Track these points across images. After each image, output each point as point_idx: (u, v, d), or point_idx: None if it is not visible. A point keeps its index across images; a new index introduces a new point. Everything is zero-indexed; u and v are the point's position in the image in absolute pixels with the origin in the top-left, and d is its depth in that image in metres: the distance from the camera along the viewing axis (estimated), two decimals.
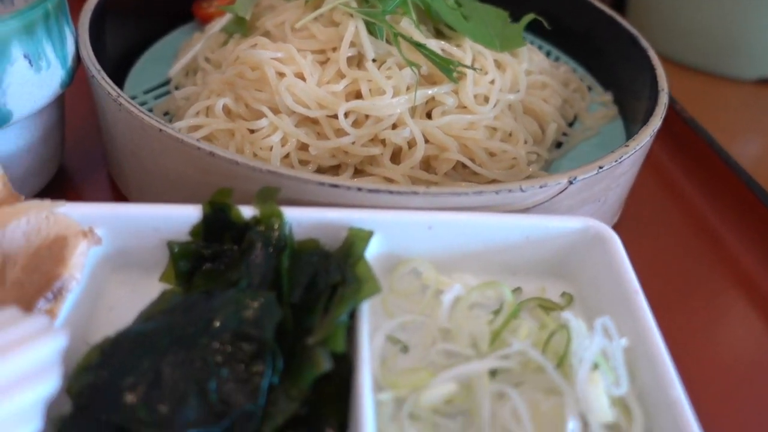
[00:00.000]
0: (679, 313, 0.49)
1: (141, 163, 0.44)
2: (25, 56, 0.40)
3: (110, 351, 0.31)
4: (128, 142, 0.44)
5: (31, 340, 0.26)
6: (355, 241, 0.37)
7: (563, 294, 0.39)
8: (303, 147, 0.47)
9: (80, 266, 0.34)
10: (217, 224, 0.37)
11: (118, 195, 0.51)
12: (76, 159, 0.54)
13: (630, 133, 0.58)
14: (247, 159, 0.39)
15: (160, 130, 0.40)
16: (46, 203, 0.35)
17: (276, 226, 0.37)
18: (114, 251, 0.37)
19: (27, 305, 0.32)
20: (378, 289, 0.34)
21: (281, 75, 0.47)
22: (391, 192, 0.38)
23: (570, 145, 0.57)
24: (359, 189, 0.38)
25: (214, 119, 0.48)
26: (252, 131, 0.47)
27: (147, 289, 0.37)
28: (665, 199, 0.60)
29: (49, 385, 0.26)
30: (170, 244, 0.37)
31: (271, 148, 0.46)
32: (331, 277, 0.35)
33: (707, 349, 0.46)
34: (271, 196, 0.38)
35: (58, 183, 0.51)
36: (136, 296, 0.37)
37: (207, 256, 0.37)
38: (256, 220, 0.37)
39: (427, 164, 0.49)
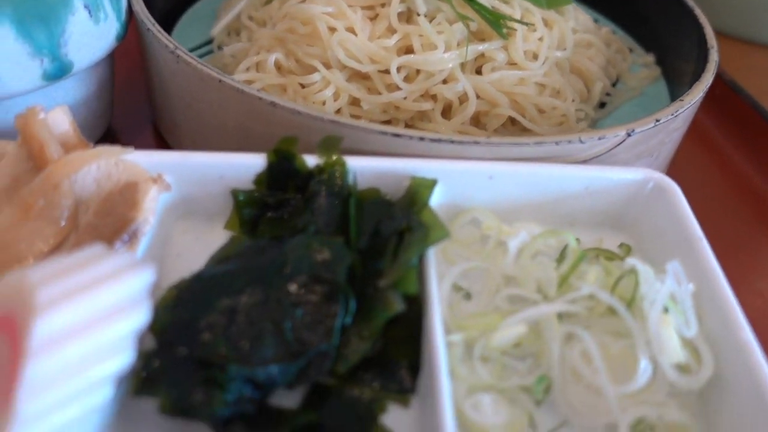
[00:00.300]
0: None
1: (197, 117, 0.44)
2: (86, 6, 0.40)
3: (187, 291, 0.32)
4: (185, 95, 0.44)
5: (120, 274, 0.27)
6: (418, 189, 0.37)
7: (621, 245, 0.39)
8: (354, 102, 0.47)
9: (153, 210, 0.34)
10: (281, 173, 0.37)
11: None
12: (122, 117, 0.55)
13: (674, 93, 0.57)
14: (309, 108, 0.39)
15: (220, 80, 0.40)
16: (116, 149, 0.35)
17: (339, 175, 0.37)
18: (179, 199, 0.37)
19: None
20: (447, 234, 0.34)
21: (332, 30, 0.47)
22: (452, 141, 0.38)
23: (613, 106, 0.57)
24: (421, 138, 0.38)
25: (265, 74, 0.48)
26: (303, 86, 0.47)
27: (211, 237, 0.38)
28: (708, 161, 0.60)
29: (139, 317, 0.27)
30: (234, 192, 0.38)
31: (323, 103, 0.46)
32: (396, 225, 0.36)
33: (758, 300, 0.47)
34: (334, 145, 0.38)
35: (107, 140, 0.52)
36: (201, 244, 0.38)
37: (271, 204, 0.38)
38: (319, 169, 0.37)
39: (476, 120, 0.49)
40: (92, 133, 0.48)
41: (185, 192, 0.37)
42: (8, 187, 0.34)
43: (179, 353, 0.29)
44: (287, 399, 0.31)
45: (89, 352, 0.25)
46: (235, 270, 0.32)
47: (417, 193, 0.37)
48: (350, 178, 0.37)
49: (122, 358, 0.26)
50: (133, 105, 0.56)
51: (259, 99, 0.39)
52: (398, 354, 0.33)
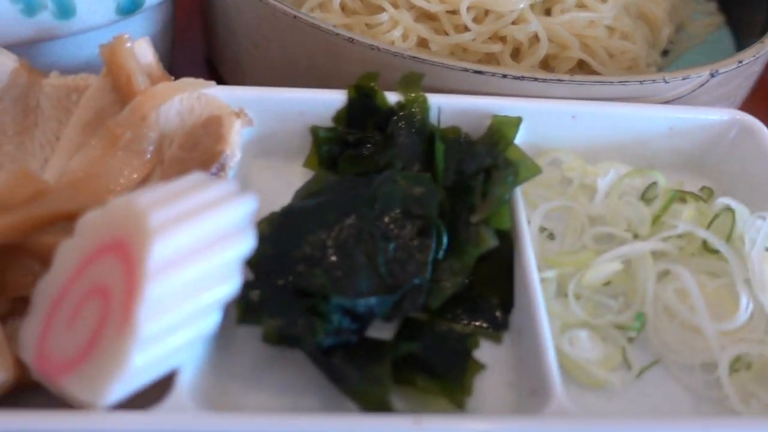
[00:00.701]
0: None
1: (265, 56, 0.44)
2: None
3: (279, 224, 0.31)
4: (252, 33, 0.43)
5: (225, 201, 0.26)
6: (501, 127, 0.36)
7: (702, 188, 0.39)
8: (421, 43, 0.46)
9: (238, 144, 0.34)
10: (362, 109, 0.37)
11: None
12: (179, 60, 0.54)
13: (740, 42, 0.56)
14: (388, 45, 0.38)
15: (295, 17, 0.40)
16: (200, 82, 0.34)
17: (420, 112, 0.37)
18: (258, 135, 0.37)
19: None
20: (538, 170, 0.34)
21: None
22: (536, 79, 0.38)
23: (676, 54, 0.55)
24: (504, 76, 0.38)
25: (330, 14, 0.47)
26: (370, 26, 0.46)
27: (290, 174, 0.37)
28: None
29: (245, 244, 0.27)
30: (314, 129, 0.37)
31: (392, 43, 0.45)
32: (480, 162, 0.35)
33: None
34: (415, 81, 0.37)
35: None
36: (280, 181, 0.37)
37: (351, 141, 0.37)
38: (400, 106, 0.37)
39: (545, 64, 0.48)
40: None
41: (263, 129, 0.37)
42: (92, 119, 0.34)
43: (278, 284, 0.29)
44: (380, 332, 0.31)
45: (201, 277, 0.25)
46: (325, 204, 0.32)
47: (500, 131, 0.36)
48: (432, 115, 0.37)
49: (230, 285, 0.26)
50: (189, 46, 0.56)
51: (337, 35, 0.39)
52: (489, 291, 0.32)
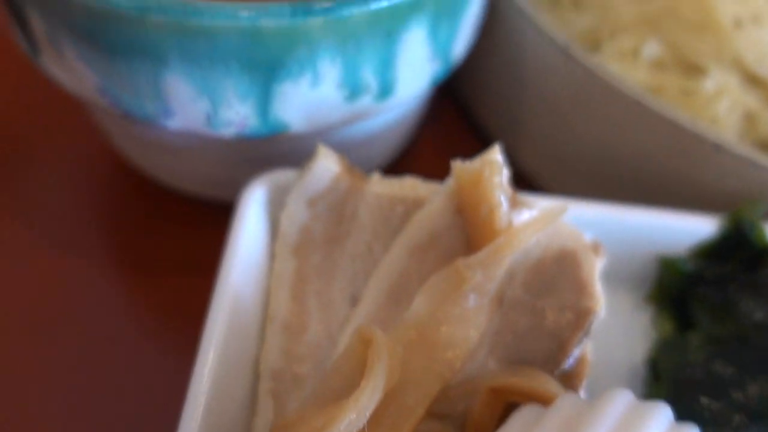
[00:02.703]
0: None
1: (571, 138, 0.36)
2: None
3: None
4: (562, 105, 0.36)
5: None
6: None
7: None
8: (746, 119, 0.38)
9: (601, 297, 0.27)
10: (733, 244, 0.30)
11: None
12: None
13: None
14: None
15: (639, 103, 0.32)
16: (558, 209, 0.28)
17: None
18: None
19: (550, 342, 0.27)
20: None
21: (736, 21, 0.37)
22: None
23: None
24: None
25: (634, 67, 0.39)
26: (686, 93, 0.38)
27: (626, 308, 0.31)
28: None
29: None
30: (666, 262, 0.30)
31: (714, 119, 0.37)
32: None
33: None
34: None
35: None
36: (621, 317, 0.31)
37: (709, 278, 0.30)
38: None
39: None
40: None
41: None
42: (424, 242, 0.28)
43: None
44: None
45: None
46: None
47: None
48: None
49: None
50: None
51: (698, 138, 0.31)
52: None
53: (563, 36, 0.34)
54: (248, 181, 0.29)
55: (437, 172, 0.41)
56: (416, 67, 0.30)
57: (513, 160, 0.41)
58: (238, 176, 0.33)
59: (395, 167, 0.40)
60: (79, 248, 0.35)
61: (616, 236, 0.30)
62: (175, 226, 0.36)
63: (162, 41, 0.24)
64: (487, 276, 0.27)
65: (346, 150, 0.34)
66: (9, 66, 0.42)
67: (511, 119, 0.40)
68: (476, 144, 0.43)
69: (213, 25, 0.24)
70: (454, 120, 0.45)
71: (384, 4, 0.26)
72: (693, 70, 0.38)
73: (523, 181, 0.39)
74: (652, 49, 0.38)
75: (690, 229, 0.30)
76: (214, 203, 0.36)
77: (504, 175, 0.27)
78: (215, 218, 0.33)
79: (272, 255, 0.29)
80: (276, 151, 0.31)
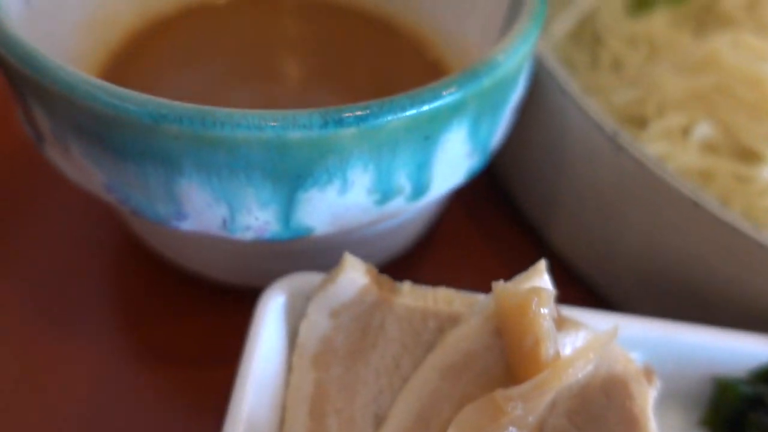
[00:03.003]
0: None
1: (614, 230, 0.33)
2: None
3: None
4: (605, 197, 0.33)
5: None
6: None
7: None
8: None
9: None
10: None
11: None
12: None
13: None
14: None
15: (696, 204, 0.29)
16: (606, 335, 0.25)
17: None
18: None
19: None
20: None
21: None
22: None
23: None
24: None
25: (683, 149, 0.36)
26: (740, 180, 0.35)
27: (679, 430, 0.28)
28: None
29: None
30: (723, 385, 0.28)
31: None
32: None
33: None
34: None
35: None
36: None
37: (766, 402, 0.28)
38: None
39: None
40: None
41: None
42: (458, 363, 0.26)
43: None
44: None
45: None
46: None
47: None
48: None
49: None
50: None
51: (760, 247, 0.28)
52: None
53: (611, 122, 0.31)
54: (267, 287, 0.26)
55: (467, 251, 0.39)
56: (453, 165, 0.27)
57: (548, 243, 0.38)
58: (260, 264, 0.31)
59: (423, 248, 0.38)
60: (89, 333, 0.33)
61: (669, 356, 0.27)
62: (194, 311, 0.34)
63: (177, 150, 0.22)
64: (528, 410, 0.24)
65: (371, 241, 0.31)
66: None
67: (547, 200, 0.37)
68: (506, 219, 0.41)
69: (234, 137, 0.21)
70: (483, 190, 0.42)
71: (424, 108, 0.23)
72: (748, 154, 0.35)
73: (559, 266, 0.37)
74: (703, 129, 0.36)
75: (749, 350, 0.27)
76: (235, 289, 0.33)
77: (552, 301, 0.24)
78: (236, 305, 0.31)
79: (290, 367, 0.27)
80: (300, 247, 0.29)
